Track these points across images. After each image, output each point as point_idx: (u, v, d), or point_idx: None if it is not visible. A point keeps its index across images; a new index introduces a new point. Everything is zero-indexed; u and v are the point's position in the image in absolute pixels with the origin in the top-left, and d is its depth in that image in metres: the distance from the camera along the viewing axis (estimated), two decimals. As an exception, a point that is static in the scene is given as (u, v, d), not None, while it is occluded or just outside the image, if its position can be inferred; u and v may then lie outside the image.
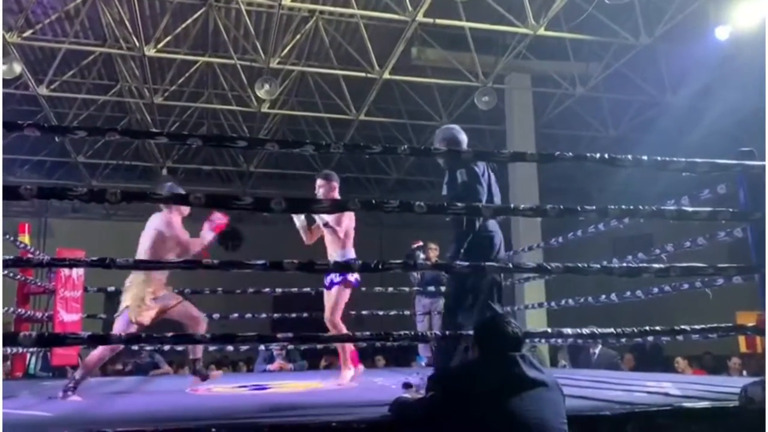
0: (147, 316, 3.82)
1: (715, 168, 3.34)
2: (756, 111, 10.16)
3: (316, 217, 4.42)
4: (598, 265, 3.13)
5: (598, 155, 3.12)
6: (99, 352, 3.81)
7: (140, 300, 3.80)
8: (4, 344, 2.60)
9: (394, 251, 5.77)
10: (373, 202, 3.03)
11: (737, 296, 4.60)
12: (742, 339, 8.01)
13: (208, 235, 3.98)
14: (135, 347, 6.66)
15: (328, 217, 4.35)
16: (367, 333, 2.73)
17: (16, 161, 12.39)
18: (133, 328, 3.75)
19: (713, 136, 10.28)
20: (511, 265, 4.11)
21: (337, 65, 9.65)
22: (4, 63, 8.09)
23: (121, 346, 4.20)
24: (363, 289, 5.14)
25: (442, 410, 2.26)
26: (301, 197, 3.14)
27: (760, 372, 3.44)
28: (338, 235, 4.36)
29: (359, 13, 8.42)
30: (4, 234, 4.97)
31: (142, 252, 3.97)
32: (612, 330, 3.08)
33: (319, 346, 7.06)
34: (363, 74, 9.34)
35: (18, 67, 8.37)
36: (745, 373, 7.04)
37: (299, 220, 4.55)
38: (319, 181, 4.57)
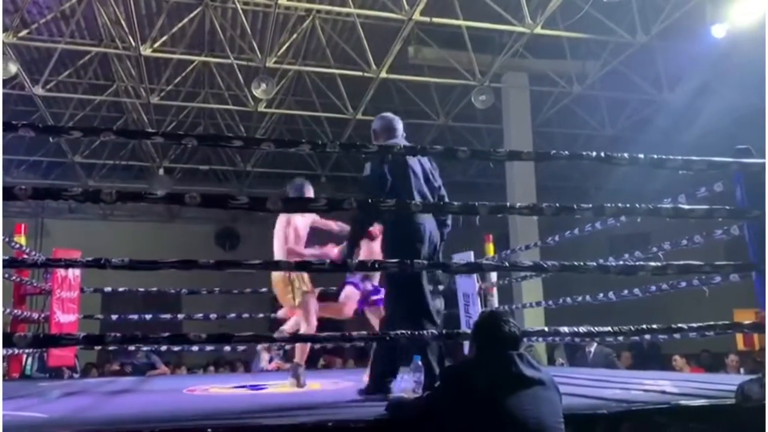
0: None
1: (711, 166, 3.34)
2: (753, 109, 10.19)
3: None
4: (595, 264, 3.12)
5: (594, 154, 3.12)
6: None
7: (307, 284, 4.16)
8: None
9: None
10: (370, 201, 3.03)
11: (735, 294, 4.60)
12: (739, 336, 8.01)
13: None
14: (132, 347, 6.66)
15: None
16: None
17: (13, 161, 12.36)
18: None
19: (710, 134, 10.28)
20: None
21: (334, 64, 9.64)
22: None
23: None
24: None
25: (438, 409, 2.26)
26: (297, 197, 3.13)
27: (757, 369, 3.44)
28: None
29: (356, 12, 8.41)
30: None
31: (279, 250, 4.19)
32: (609, 328, 3.08)
33: (317, 346, 7.05)
34: (360, 73, 9.33)
35: (14, 67, 8.35)
36: (742, 370, 7.06)
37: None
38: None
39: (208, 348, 7.12)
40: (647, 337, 4.51)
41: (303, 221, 4.25)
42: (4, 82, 8.89)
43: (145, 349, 6.91)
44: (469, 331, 2.51)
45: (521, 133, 10.28)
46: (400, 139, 3.59)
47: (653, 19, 8.26)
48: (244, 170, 13.34)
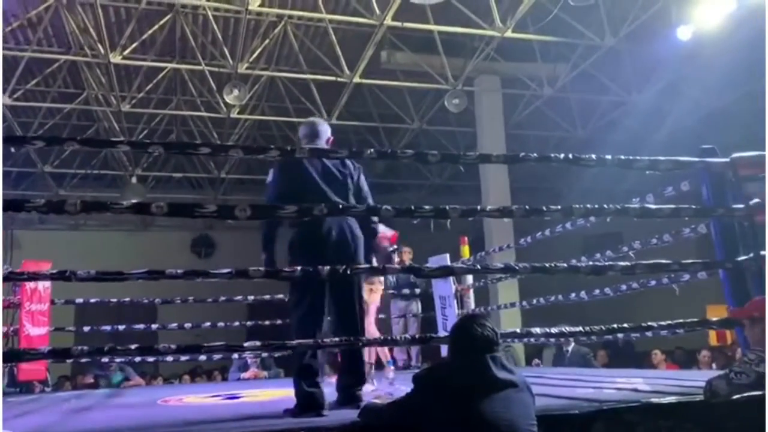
0: (377, 297, 4.81)
1: (677, 165, 3.40)
2: (718, 107, 10.42)
3: None
4: (565, 265, 3.16)
5: (562, 155, 3.16)
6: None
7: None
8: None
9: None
10: (341, 206, 3.03)
11: (708, 290, 4.68)
12: (712, 332, 8.13)
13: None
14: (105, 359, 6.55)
15: None
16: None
17: (-20, 173, 12.09)
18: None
19: (679, 133, 10.46)
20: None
21: (307, 70, 9.61)
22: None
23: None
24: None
25: (412, 414, 2.25)
26: (267, 204, 3.11)
27: (728, 364, 3.50)
28: None
29: (327, 18, 8.40)
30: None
31: None
32: (580, 328, 3.11)
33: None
34: (333, 78, 9.32)
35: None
36: (714, 366, 7.17)
37: None
38: None
39: (183, 358, 7.03)
40: (620, 335, 4.56)
41: None
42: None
43: (118, 360, 6.80)
44: (445, 333, 2.52)
45: (494, 135, 10.36)
46: (322, 143, 3.49)
47: (621, 22, 8.39)
48: (219, 177, 13.23)
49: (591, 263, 4.07)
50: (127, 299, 6.65)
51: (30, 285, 5.54)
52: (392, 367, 3.84)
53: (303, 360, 2.97)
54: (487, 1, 7.87)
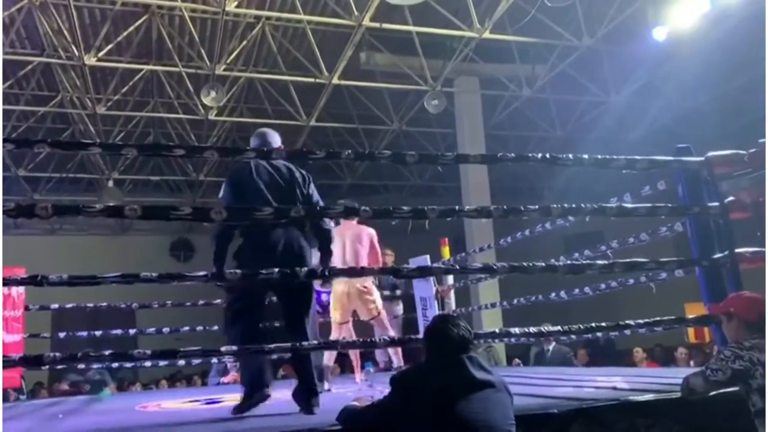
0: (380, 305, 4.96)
1: (653, 165, 3.43)
2: (693, 107, 10.57)
3: None
4: (543, 264, 3.16)
5: (540, 155, 3.16)
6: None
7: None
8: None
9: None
10: (318, 208, 3.00)
11: (687, 288, 4.71)
12: (691, 330, 8.22)
13: None
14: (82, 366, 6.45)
15: None
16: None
17: (-49, 177, 11.87)
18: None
19: (656, 133, 10.60)
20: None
21: (285, 71, 9.55)
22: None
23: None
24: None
25: (390, 415, 2.24)
26: (244, 206, 3.07)
27: (705, 361, 3.53)
28: None
29: (306, 19, 8.36)
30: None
31: (365, 255, 4.75)
32: (559, 327, 3.11)
33: (274, 357, 6.95)
34: (312, 80, 9.28)
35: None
36: (692, 363, 7.24)
37: None
38: None
39: (162, 363, 6.93)
40: (599, 334, 4.58)
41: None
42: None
43: (95, 367, 6.70)
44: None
45: (474, 136, 10.39)
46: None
47: (598, 23, 8.45)
48: (197, 180, 13.10)
49: (569, 262, 4.08)
50: (104, 304, 6.54)
51: (3, 291, 5.41)
52: (371, 369, 3.82)
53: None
54: (465, 3, 7.89)
